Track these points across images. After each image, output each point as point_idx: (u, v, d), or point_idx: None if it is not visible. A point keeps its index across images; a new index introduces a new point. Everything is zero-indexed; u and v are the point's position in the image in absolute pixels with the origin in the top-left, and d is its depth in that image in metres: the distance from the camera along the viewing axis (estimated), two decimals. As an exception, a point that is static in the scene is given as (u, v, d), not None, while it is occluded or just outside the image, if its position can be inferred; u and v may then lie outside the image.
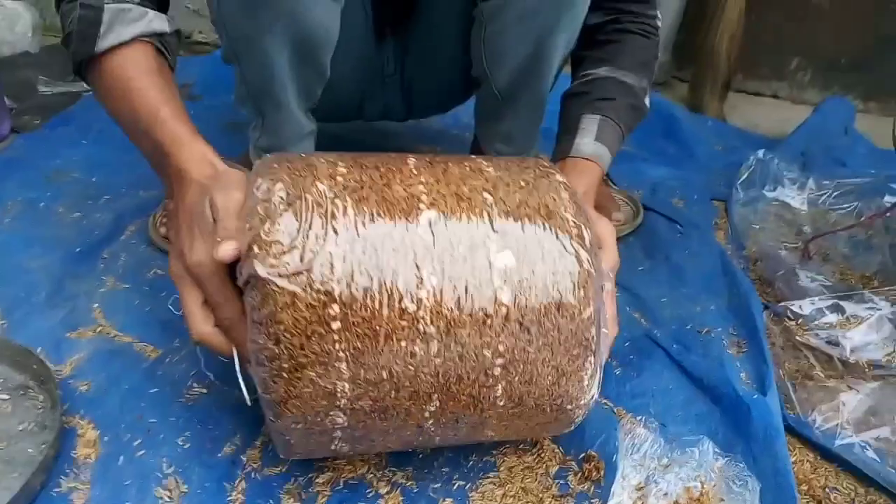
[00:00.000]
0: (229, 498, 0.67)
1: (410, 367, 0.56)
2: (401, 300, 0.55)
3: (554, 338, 0.59)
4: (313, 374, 0.55)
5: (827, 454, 0.77)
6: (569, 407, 0.63)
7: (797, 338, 0.88)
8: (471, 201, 0.60)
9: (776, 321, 0.95)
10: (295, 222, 0.55)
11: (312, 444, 0.61)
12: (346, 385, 0.56)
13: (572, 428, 0.68)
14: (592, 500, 0.70)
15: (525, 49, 0.91)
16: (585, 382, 0.62)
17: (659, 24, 1.01)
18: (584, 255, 0.60)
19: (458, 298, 0.56)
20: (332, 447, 0.61)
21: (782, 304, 0.94)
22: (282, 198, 0.56)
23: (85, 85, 1.46)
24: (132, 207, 1.09)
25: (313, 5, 0.82)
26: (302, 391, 0.55)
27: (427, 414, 0.59)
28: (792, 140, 1.46)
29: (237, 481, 0.68)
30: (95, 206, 1.09)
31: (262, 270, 0.53)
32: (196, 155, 0.68)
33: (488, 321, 0.57)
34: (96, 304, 0.90)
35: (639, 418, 0.72)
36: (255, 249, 0.54)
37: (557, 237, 0.60)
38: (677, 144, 1.47)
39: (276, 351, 0.54)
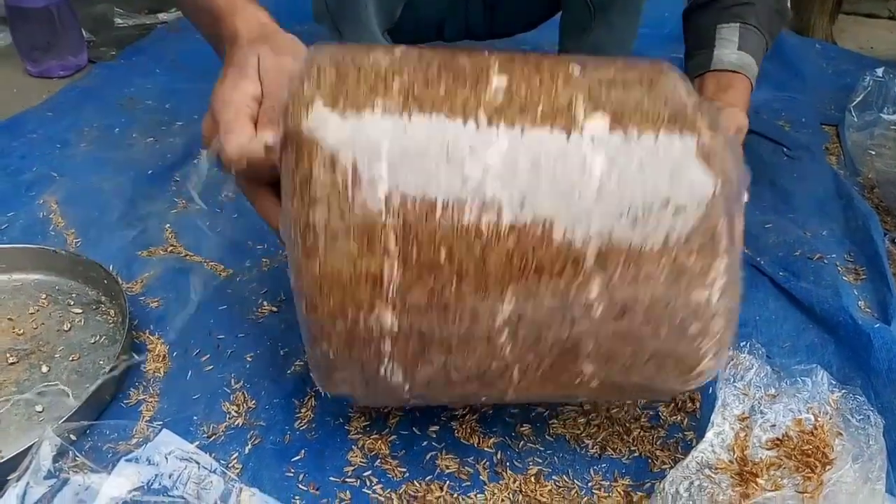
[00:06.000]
0: (298, 414, 0.64)
1: (476, 247, 0.45)
2: (464, 162, 0.44)
3: (670, 228, 0.46)
4: (354, 247, 0.45)
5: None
6: (691, 328, 0.48)
7: (927, 264, 0.78)
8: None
9: (899, 249, 0.84)
10: (339, 81, 0.46)
11: (356, 366, 0.49)
12: (395, 267, 0.45)
13: (698, 377, 0.52)
14: (686, 433, 0.64)
15: None
16: (711, 284, 0.47)
17: None
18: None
19: (537, 162, 0.45)
20: (382, 371, 0.49)
21: (908, 227, 0.84)
22: (326, 67, 0.47)
23: (158, 18, 1.47)
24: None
25: None
26: (341, 269, 0.45)
27: (500, 320, 0.46)
28: (915, 58, 1.31)
29: (306, 398, 0.65)
30: (168, 131, 1.08)
31: (302, 126, 0.44)
32: (250, 18, 0.60)
33: (576, 194, 0.45)
34: (168, 225, 0.88)
35: (742, 344, 0.65)
36: (291, 108, 0.46)
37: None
38: (782, 65, 1.34)
39: (311, 219, 0.44)
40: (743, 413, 0.61)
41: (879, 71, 1.18)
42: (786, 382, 0.64)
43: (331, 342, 0.47)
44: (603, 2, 0.89)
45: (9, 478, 0.53)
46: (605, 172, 0.45)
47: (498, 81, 0.47)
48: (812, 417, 0.61)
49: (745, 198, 0.53)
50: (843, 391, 0.63)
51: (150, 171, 0.97)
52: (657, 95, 0.49)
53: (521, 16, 1.11)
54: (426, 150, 0.45)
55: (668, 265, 0.47)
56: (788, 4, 0.86)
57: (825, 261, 0.83)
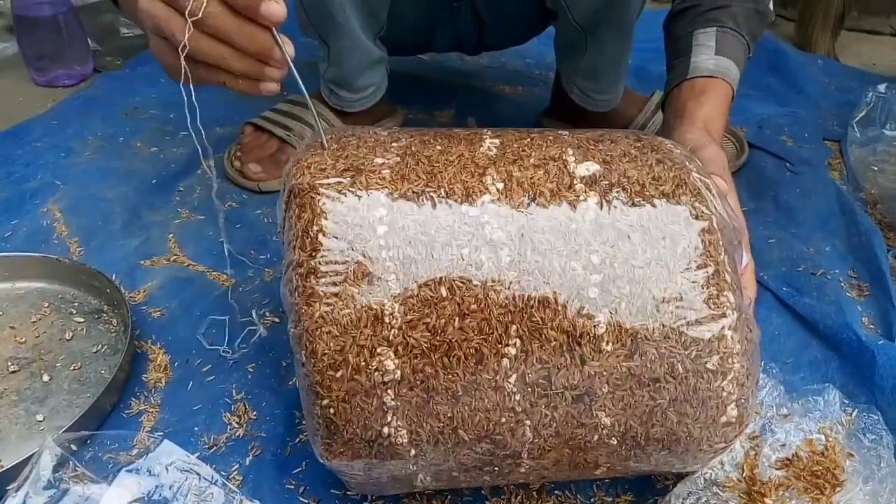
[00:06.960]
0: (299, 426, 0.63)
1: (476, 282, 0.46)
2: (463, 202, 0.47)
3: (667, 248, 0.47)
4: (355, 289, 0.45)
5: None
6: (709, 363, 0.46)
7: (931, 281, 0.78)
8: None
9: (902, 265, 0.84)
10: (340, 146, 0.51)
11: (358, 425, 0.46)
12: (396, 306, 0.45)
13: (725, 428, 0.49)
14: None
15: None
16: (722, 316, 0.47)
17: None
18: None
19: (533, 202, 0.48)
20: (385, 430, 0.46)
21: (912, 244, 0.84)
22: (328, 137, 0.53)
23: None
24: (207, 143, 1.07)
25: None
26: (341, 312, 0.45)
27: (506, 363, 0.46)
28: (918, 75, 1.31)
29: (307, 410, 0.65)
30: (172, 141, 1.08)
31: (305, 180, 0.48)
32: None
33: (573, 226, 0.47)
34: (171, 234, 0.88)
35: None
36: (293, 167, 0.50)
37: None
38: (785, 81, 1.34)
39: (312, 265, 0.46)
40: (753, 432, 0.61)
41: (882, 87, 1.17)
42: (798, 402, 0.64)
43: (331, 394, 0.46)
44: (591, 24, 0.89)
45: (8, 487, 0.53)
46: (599, 206, 0.48)
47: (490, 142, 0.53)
48: (823, 437, 0.61)
49: (746, 259, 0.55)
50: (856, 410, 0.63)
51: (153, 181, 0.97)
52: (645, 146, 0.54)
53: (510, 28, 1.10)
54: (425, 193, 0.48)
55: (673, 292, 0.47)
56: (771, 5, 0.83)
57: (828, 276, 0.83)
